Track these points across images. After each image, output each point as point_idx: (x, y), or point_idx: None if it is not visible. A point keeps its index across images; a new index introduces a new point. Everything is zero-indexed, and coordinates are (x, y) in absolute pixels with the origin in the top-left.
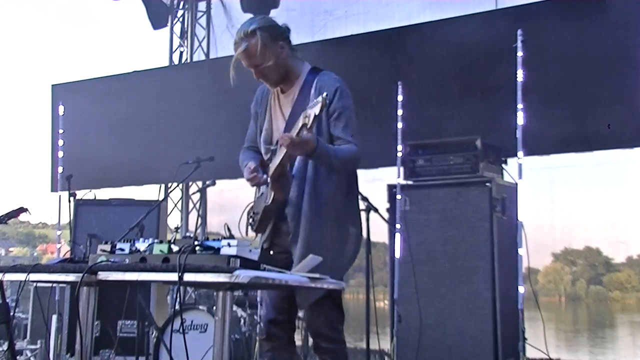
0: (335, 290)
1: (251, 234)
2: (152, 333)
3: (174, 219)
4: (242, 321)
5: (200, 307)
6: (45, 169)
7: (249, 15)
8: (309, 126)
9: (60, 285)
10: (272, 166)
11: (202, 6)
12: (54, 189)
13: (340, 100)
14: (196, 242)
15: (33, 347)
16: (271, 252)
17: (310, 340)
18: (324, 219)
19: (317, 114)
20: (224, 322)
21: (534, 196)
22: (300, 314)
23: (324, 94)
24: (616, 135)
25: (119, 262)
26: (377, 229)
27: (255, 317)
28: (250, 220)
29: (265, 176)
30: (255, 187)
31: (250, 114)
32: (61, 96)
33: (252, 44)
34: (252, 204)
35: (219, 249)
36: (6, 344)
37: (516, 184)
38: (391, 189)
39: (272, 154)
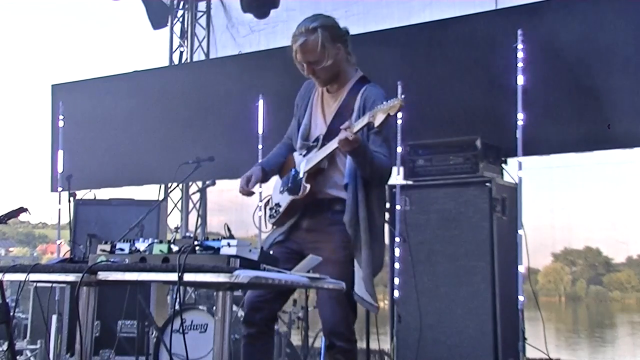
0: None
1: (269, 226)
2: (152, 333)
3: (174, 219)
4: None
5: (200, 307)
6: (45, 169)
7: (249, 15)
8: (375, 125)
9: (60, 285)
10: (312, 161)
11: (202, 6)
12: (54, 189)
13: None
14: (196, 242)
15: (33, 347)
16: (271, 252)
17: (311, 340)
18: (371, 228)
19: (391, 114)
20: (224, 322)
21: (534, 196)
22: (300, 314)
23: (402, 96)
24: (616, 135)
25: (118, 262)
26: None
27: None
28: (273, 212)
29: (251, 190)
30: (276, 181)
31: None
32: (61, 96)
33: (311, 40)
34: (269, 197)
35: (218, 249)
36: (6, 344)
37: (516, 184)
38: (391, 189)
39: (307, 149)
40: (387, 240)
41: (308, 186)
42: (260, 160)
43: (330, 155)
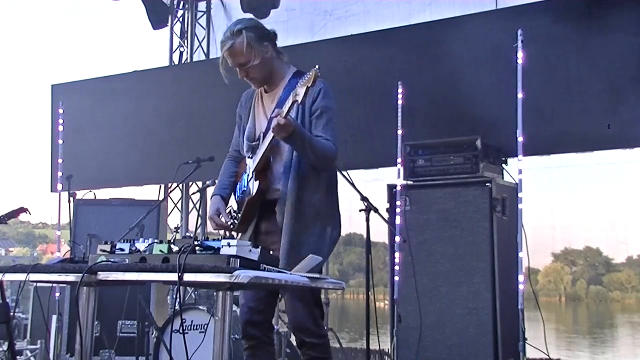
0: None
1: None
2: (152, 333)
3: (174, 219)
4: None
5: (200, 307)
6: (45, 169)
7: (249, 16)
8: (299, 102)
9: (60, 285)
10: (257, 158)
11: (202, 6)
12: (53, 189)
13: (324, 99)
14: (196, 242)
15: (33, 347)
16: (271, 252)
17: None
18: (305, 215)
19: (309, 86)
20: (224, 322)
21: (534, 196)
22: None
23: (316, 66)
24: (616, 135)
25: (118, 262)
26: (377, 229)
27: None
28: (233, 220)
29: (229, 221)
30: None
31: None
32: (61, 96)
33: (237, 42)
34: (229, 208)
35: (218, 249)
36: (6, 344)
37: (516, 184)
38: (391, 189)
39: (252, 150)
40: (387, 240)
41: (257, 183)
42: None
43: (272, 147)
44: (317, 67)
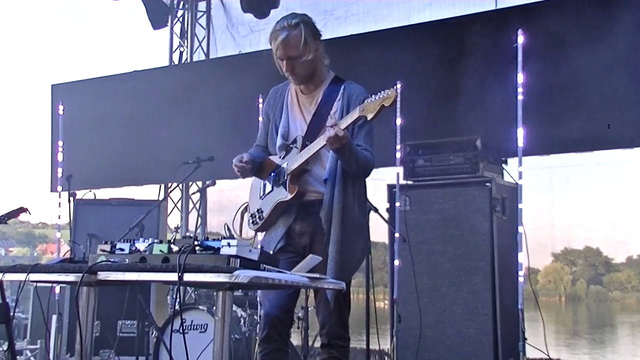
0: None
1: (250, 233)
2: (152, 333)
3: (174, 219)
4: (242, 321)
5: (200, 307)
6: (45, 168)
7: (249, 15)
8: (369, 118)
9: (60, 285)
10: (296, 162)
11: (202, 6)
12: (53, 189)
13: None
14: (196, 242)
15: (33, 347)
16: (271, 252)
17: (311, 340)
18: (349, 225)
19: (386, 105)
20: (224, 322)
21: (534, 196)
22: (300, 314)
23: (395, 87)
24: (616, 135)
25: (118, 262)
26: (377, 229)
27: (255, 317)
28: (256, 218)
29: (250, 167)
30: (251, 187)
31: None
32: (61, 96)
33: (294, 34)
34: (246, 204)
35: (218, 249)
36: (6, 344)
37: (516, 184)
38: (391, 189)
39: (285, 150)
40: (387, 240)
41: (295, 187)
42: None
43: (317, 152)
44: (395, 86)
